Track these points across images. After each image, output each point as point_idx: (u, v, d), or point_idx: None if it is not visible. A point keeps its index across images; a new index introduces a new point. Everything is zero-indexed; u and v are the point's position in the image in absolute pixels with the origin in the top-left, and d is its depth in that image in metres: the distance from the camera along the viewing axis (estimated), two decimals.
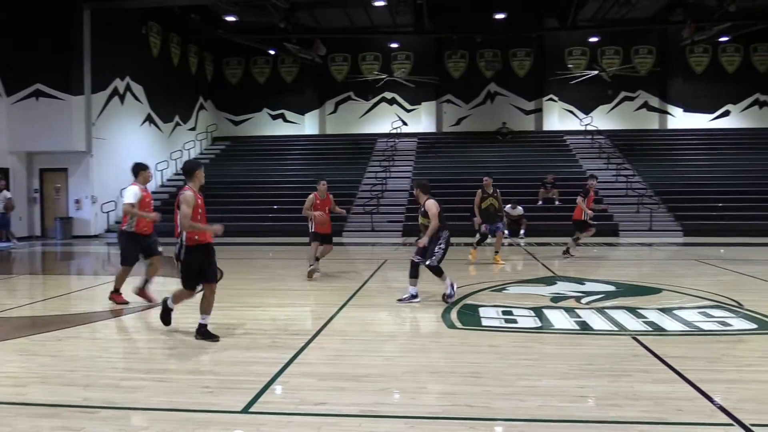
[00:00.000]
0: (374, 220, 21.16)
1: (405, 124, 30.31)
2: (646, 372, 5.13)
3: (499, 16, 26.34)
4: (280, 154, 28.76)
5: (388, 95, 30.80)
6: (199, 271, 6.34)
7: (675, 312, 7.51)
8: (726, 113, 29.32)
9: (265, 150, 29.24)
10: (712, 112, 29.32)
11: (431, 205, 8.28)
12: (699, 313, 7.49)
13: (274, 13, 23.14)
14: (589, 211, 13.35)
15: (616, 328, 6.68)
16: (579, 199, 13.36)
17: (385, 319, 7.68)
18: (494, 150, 27.50)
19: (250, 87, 31.21)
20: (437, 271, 8.27)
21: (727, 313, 7.47)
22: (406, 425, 4.06)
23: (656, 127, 29.47)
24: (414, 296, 8.36)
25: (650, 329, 6.66)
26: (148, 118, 24.34)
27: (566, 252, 13.50)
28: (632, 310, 7.56)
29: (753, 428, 3.91)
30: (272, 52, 29.42)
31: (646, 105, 29.69)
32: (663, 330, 6.65)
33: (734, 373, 5.15)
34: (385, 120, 30.43)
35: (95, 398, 4.54)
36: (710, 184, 22.48)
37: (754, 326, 6.83)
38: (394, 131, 29.48)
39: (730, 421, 4.04)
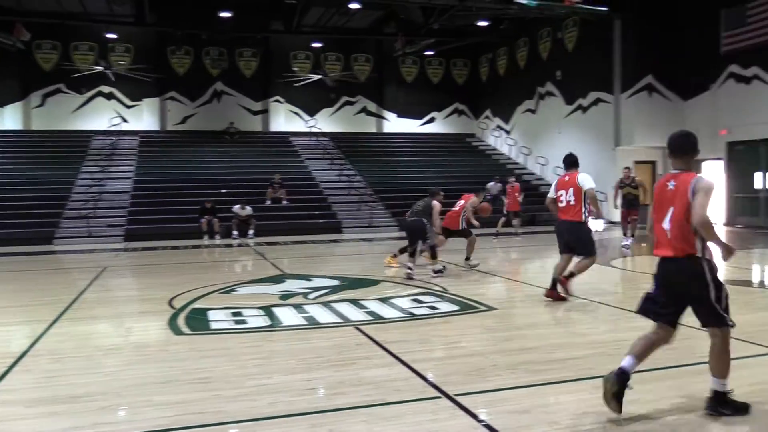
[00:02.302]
0: (91, 224, 19.45)
1: (125, 121, 28.32)
2: (368, 359, 5.51)
3: (225, 14, 26.05)
4: None
5: (106, 89, 28.52)
6: None
7: (392, 300, 8.20)
8: (432, 119, 32.72)
9: None
10: (421, 118, 32.50)
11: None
12: (412, 300, 8.28)
13: None
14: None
15: (341, 320, 7.07)
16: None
17: (106, 332, 7.14)
18: (222, 150, 27.11)
19: None
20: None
21: (435, 298, 8.38)
22: None
23: (374, 130, 31.73)
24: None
25: (371, 318, 7.17)
26: None
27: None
28: (355, 302, 8.06)
29: (457, 398, 4.43)
30: None
31: (365, 110, 31.80)
32: (382, 318, 7.21)
33: (442, 351, 5.79)
34: (102, 116, 28.09)
35: None
36: (420, 183, 24.86)
37: (457, 308, 7.75)
38: (113, 128, 27.39)
39: (439, 394, 4.53)
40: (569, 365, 5.21)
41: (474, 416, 4.13)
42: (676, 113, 22.24)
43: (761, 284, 10.40)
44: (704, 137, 21.31)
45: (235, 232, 19.10)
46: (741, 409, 4.10)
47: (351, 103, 31.60)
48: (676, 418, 4.03)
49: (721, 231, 18.80)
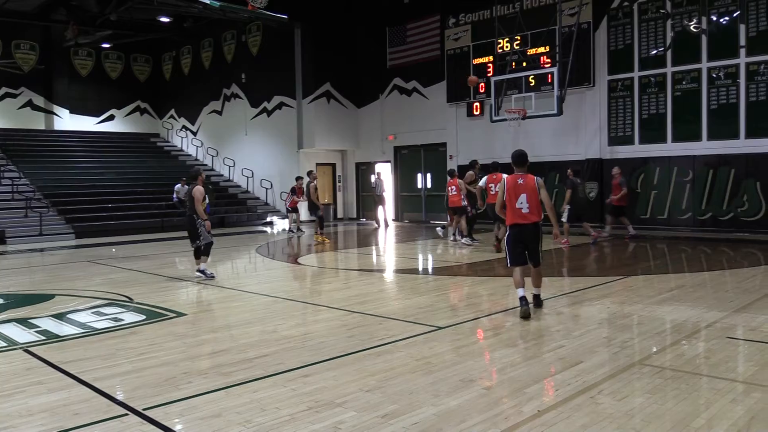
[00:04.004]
0: None
1: None
2: (41, 384, 4.94)
3: None
4: None
5: None
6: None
7: (69, 316, 7.47)
8: (111, 117, 30.56)
9: None
10: (98, 116, 30.13)
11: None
12: (93, 313, 7.65)
13: None
14: None
15: (5, 344, 6.21)
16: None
17: None
18: None
19: None
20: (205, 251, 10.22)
21: (120, 309, 7.86)
22: None
23: (43, 127, 28.44)
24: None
25: (44, 338, 6.44)
26: None
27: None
28: (23, 321, 7.16)
29: (146, 412, 4.23)
30: None
31: (30, 104, 28.32)
32: (58, 336, 6.53)
33: (128, 365, 5.45)
34: None
35: None
36: (99, 186, 23.07)
37: (144, 317, 7.38)
38: None
39: (125, 412, 4.27)
40: (260, 363, 5.35)
41: (166, 428, 3.99)
42: (352, 119, 24.25)
43: (425, 271, 11.89)
44: (375, 142, 23.70)
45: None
46: (527, 316, 6.77)
47: (13, 96, 27.84)
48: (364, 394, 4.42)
49: (391, 226, 21.03)
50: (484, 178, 13.06)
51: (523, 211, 6.97)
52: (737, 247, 13.27)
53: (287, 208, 19.54)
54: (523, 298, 6.85)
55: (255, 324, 7.02)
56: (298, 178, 18.81)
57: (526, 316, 6.72)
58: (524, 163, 7.22)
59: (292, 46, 23.80)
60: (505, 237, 7.32)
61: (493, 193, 12.43)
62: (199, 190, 10.05)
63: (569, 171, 14.48)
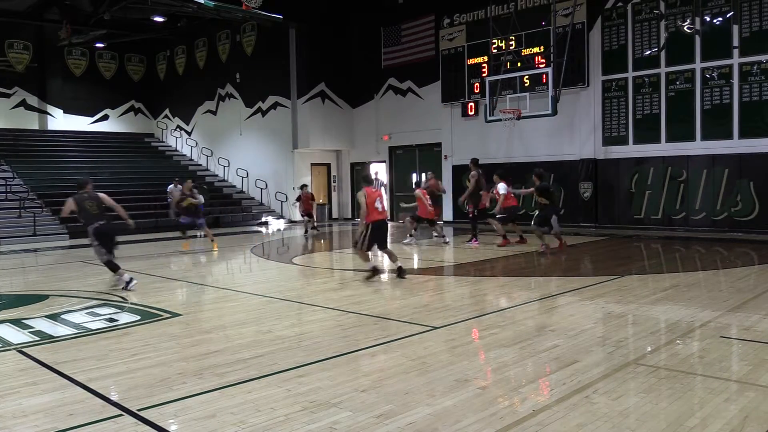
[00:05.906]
0: None
1: None
2: (34, 384, 4.92)
3: None
4: None
5: None
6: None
7: (63, 316, 7.44)
8: (105, 117, 30.46)
9: None
10: (92, 116, 30.03)
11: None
12: (87, 313, 7.62)
13: None
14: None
15: None
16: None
17: None
18: None
19: None
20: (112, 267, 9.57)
21: (114, 309, 7.84)
22: None
23: (36, 127, 28.35)
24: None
25: (38, 339, 6.41)
26: None
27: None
28: (17, 322, 7.13)
29: (141, 412, 4.21)
30: None
31: (24, 103, 28.22)
32: (52, 337, 6.50)
33: (122, 365, 5.42)
34: None
35: None
36: (93, 186, 22.95)
37: (138, 318, 7.36)
38: None
39: (120, 412, 4.25)
40: (255, 363, 5.33)
41: (160, 429, 3.98)
42: (347, 119, 24.24)
43: (420, 271, 11.87)
44: (370, 142, 23.67)
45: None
46: (404, 274, 9.67)
47: (6, 96, 27.74)
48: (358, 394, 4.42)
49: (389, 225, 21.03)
50: (502, 185, 13.70)
51: (380, 210, 9.62)
52: (731, 246, 13.33)
53: (301, 214, 19.67)
54: (374, 267, 9.65)
55: (250, 324, 7.01)
56: (303, 186, 19.13)
57: (370, 277, 9.61)
58: (370, 181, 10.04)
59: (287, 45, 23.77)
60: (368, 230, 9.48)
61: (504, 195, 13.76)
62: (105, 196, 10.04)
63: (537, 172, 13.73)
